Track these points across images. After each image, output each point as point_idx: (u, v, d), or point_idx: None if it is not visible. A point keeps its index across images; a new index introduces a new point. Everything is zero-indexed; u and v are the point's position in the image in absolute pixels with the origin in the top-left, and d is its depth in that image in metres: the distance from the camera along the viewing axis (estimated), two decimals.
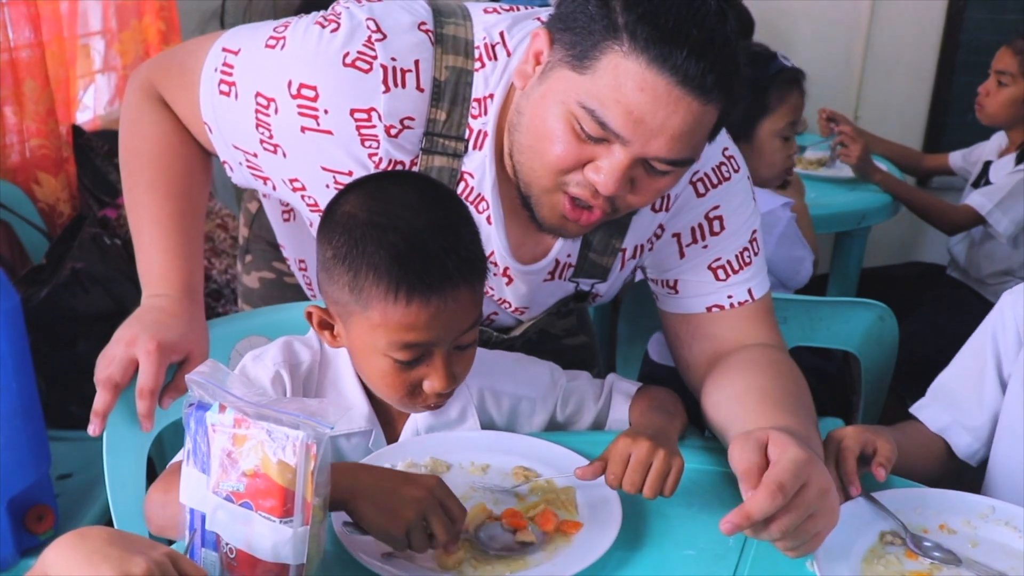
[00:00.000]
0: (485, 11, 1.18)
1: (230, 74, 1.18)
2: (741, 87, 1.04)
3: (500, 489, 1.08)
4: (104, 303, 1.98)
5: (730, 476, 1.15)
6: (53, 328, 1.92)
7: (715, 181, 1.24)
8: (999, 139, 2.73)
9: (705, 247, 1.25)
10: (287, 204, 1.40)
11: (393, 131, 1.12)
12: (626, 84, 0.99)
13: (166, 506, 1.00)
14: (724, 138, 1.27)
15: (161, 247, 1.23)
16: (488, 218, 1.19)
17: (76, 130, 2.44)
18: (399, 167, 1.15)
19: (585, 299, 1.32)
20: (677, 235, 1.26)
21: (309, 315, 1.11)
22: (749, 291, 1.27)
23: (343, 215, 1.04)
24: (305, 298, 1.51)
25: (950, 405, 1.26)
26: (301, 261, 1.44)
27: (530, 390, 1.23)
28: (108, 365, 1.12)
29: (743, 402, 1.13)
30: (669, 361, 1.93)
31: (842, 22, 3.57)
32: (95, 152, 2.43)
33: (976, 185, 2.69)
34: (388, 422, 1.18)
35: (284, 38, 1.15)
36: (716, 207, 1.24)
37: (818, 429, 1.10)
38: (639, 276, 1.36)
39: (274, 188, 1.25)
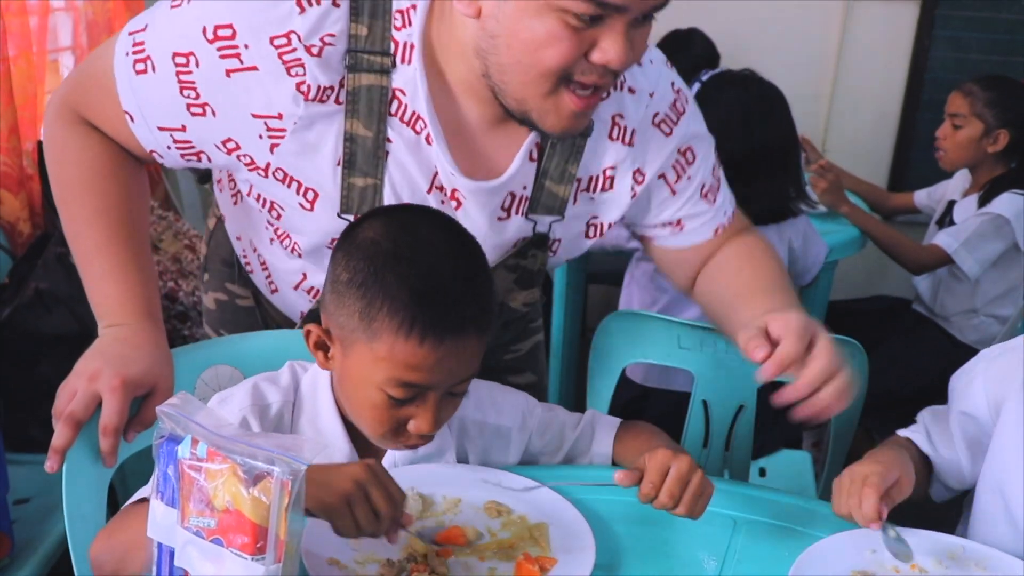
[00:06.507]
0: None
1: (142, 50, 1.15)
2: None
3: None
4: (67, 324, 1.94)
5: (705, 514, 1.15)
6: (15, 349, 1.88)
7: (675, 118, 1.29)
8: (962, 177, 2.77)
9: (689, 178, 1.32)
10: (235, 187, 1.37)
11: (314, 50, 1.10)
12: None
13: (113, 550, 0.98)
14: (670, 72, 1.30)
15: (115, 277, 1.19)
16: (428, 137, 1.17)
17: (43, 146, 2.40)
18: (328, 93, 1.12)
19: (544, 245, 1.30)
20: (663, 175, 1.31)
21: (307, 333, 1.09)
22: (732, 203, 1.38)
23: (365, 240, 1.03)
24: (255, 320, 1.49)
25: (935, 453, 1.25)
26: (253, 241, 1.40)
27: (506, 420, 1.23)
28: (68, 399, 1.08)
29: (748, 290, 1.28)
30: (653, 383, 1.96)
31: (809, 59, 3.62)
32: None
33: (940, 223, 2.73)
34: (366, 455, 1.16)
35: None
36: (684, 139, 1.30)
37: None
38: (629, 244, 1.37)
39: (209, 160, 1.21)
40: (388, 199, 1.19)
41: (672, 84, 1.29)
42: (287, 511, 0.81)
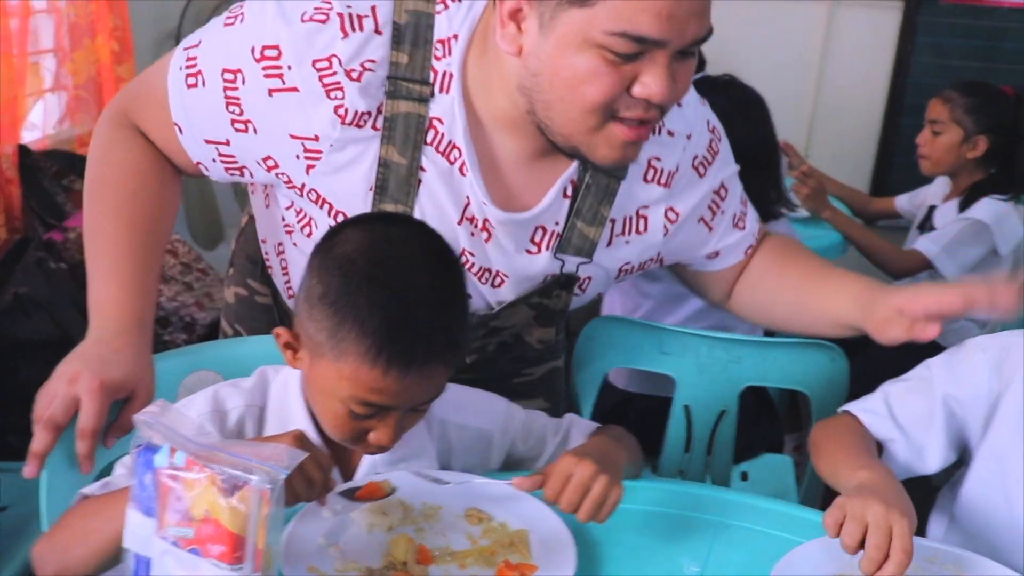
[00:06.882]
0: None
1: (195, 65, 1.19)
2: None
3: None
4: (48, 329, 1.93)
5: (684, 519, 1.15)
6: None
7: (710, 159, 1.32)
8: (942, 183, 2.79)
9: (723, 212, 1.37)
10: (266, 190, 1.38)
11: (354, 74, 1.12)
12: None
13: (55, 548, 0.99)
14: (705, 110, 1.33)
15: (117, 279, 1.20)
16: (462, 167, 1.18)
17: (23, 150, 2.39)
18: (366, 118, 1.14)
19: (570, 286, 1.31)
20: (702, 218, 1.35)
21: (277, 335, 1.09)
22: (757, 221, 1.44)
23: (342, 256, 1.02)
24: (272, 318, 1.49)
25: (900, 431, 1.23)
26: (279, 245, 1.41)
27: (488, 423, 1.22)
28: (48, 403, 1.07)
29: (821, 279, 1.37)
30: (636, 389, 1.96)
31: (793, 64, 3.65)
32: (43, 172, 2.38)
33: (921, 228, 2.75)
34: (343, 459, 1.16)
35: (242, 13, 1.17)
36: (719, 179, 1.34)
37: None
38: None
39: (251, 175, 1.24)
40: None
41: (708, 123, 1.32)
42: (265, 520, 0.81)
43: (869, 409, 1.24)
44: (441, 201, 1.20)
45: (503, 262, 1.25)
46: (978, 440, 1.19)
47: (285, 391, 1.14)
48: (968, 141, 2.59)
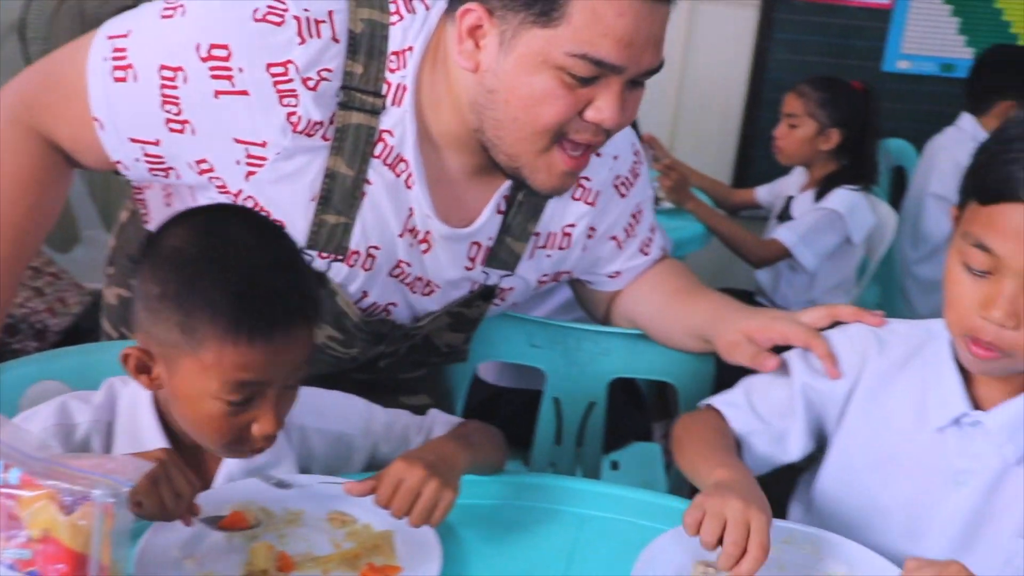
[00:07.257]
0: None
1: (124, 57, 1.12)
2: None
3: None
4: None
5: (550, 512, 1.16)
6: None
7: (632, 180, 1.36)
8: (799, 174, 2.90)
9: (635, 236, 1.43)
10: (168, 190, 1.32)
11: (310, 83, 1.10)
12: (606, 16, 1.02)
13: None
14: (631, 134, 1.37)
15: None
16: (408, 180, 1.17)
17: None
18: (317, 128, 1.12)
19: (491, 297, 1.32)
20: (614, 237, 1.39)
21: (125, 358, 1.04)
22: (661, 248, 1.50)
23: (171, 251, 0.99)
24: None
25: (761, 422, 1.25)
26: None
27: (348, 426, 1.21)
28: None
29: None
30: (507, 383, 1.97)
31: None
32: None
33: (780, 218, 2.85)
34: (200, 467, 1.12)
35: (182, 6, 1.11)
36: (636, 203, 1.40)
37: None
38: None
39: (179, 177, 1.18)
40: (357, 239, 1.19)
41: (632, 146, 1.36)
42: (110, 536, 0.78)
43: (730, 402, 1.27)
44: (384, 213, 1.19)
45: (436, 272, 1.26)
46: (834, 429, 1.24)
47: (134, 405, 1.10)
48: (822, 134, 2.70)
